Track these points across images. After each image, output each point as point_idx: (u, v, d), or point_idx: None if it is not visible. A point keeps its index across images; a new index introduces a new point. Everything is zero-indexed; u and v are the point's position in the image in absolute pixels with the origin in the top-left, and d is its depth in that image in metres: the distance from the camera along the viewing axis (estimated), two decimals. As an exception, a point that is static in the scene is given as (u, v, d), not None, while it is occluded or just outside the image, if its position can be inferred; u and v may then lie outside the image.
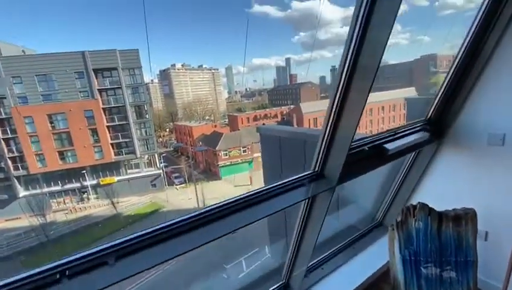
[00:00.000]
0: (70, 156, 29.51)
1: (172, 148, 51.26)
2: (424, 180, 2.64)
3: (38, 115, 27.17)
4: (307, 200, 1.64)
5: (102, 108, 30.28)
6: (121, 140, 31.49)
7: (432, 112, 2.25)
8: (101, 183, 30.47)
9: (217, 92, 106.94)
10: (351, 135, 1.39)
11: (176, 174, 35.10)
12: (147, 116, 32.93)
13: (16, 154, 27.83)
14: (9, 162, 27.67)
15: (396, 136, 1.98)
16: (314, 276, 2.36)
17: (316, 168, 1.62)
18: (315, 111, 39.71)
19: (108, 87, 30.37)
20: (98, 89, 29.74)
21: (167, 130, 63.36)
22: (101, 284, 0.95)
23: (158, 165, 33.22)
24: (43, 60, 27.85)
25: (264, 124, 37.53)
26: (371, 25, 1.10)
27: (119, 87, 30.40)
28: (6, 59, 26.47)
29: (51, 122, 28.29)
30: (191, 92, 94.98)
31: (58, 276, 0.92)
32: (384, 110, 35.53)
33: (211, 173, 36.70)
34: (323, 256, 2.57)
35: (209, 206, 1.34)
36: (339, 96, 1.33)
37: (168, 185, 33.68)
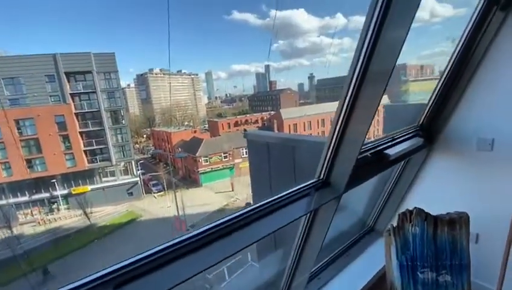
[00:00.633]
0: (38, 164, 27.53)
1: (150, 155, 49.68)
2: (415, 185, 2.69)
3: (4, 120, 25.11)
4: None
5: (75, 113, 28.69)
6: (95, 147, 29.94)
7: (424, 118, 2.30)
8: (73, 192, 28.65)
9: (196, 97, 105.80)
10: (360, 141, 1.35)
11: (154, 182, 33.93)
12: (123, 121, 31.69)
13: (-24, 162, 25.54)
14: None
15: (394, 141, 1.99)
16: (312, 286, 2.29)
17: (321, 176, 1.56)
18: (295, 117, 40.46)
19: (82, 91, 28.90)
20: (70, 93, 28.21)
21: (144, 136, 61.40)
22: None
23: (135, 172, 31.95)
24: (11, 62, 25.99)
25: (245, 129, 37.49)
26: (386, 26, 1.07)
27: (93, 92, 29.03)
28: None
29: (18, 128, 26.29)
30: (169, 97, 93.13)
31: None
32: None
33: (190, 179, 35.89)
34: (318, 265, 2.52)
35: (206, 226, 1.20)
36: (349, 102, 1.29)
37: (146, 193, 32.43)
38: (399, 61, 1.21)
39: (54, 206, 28.35)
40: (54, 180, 27.48)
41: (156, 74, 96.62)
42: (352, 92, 1.28)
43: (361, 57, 1.18)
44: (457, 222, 2.15)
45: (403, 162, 2.61)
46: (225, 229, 1.20)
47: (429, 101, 2.24)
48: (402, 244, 2.27)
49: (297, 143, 4.24)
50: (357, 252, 2.78)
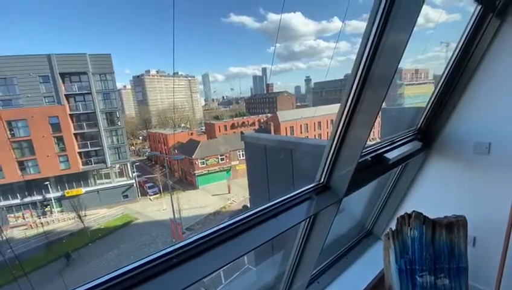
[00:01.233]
0: (31, 167, 27.07)
1: (146, 157, 49.30)
2: (413, 189, 2.70)
3: (-6, 121, 24.74)
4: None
5: (70, 114, 28.35)
6: (90, 148, 29.58)
7: (422, 122, 2.32)
8: (67, 195, 28.22)
9: (193, 99, 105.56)
10: (361, 146, 1.35)
11: (150, 184, 33.62)
12: (119, 123, 31.40)
13: (-34, 164, 25.03)
14: (-42, 173, 24.80)
15: (393, 145, 2.00)
16: (311, 291, 2.27)
17: (322, 180, 1.56)
18: (291, 119, 40.58)
19: (77, 92, 28.60)
20: (65, 94, 27.89)
21: (140, 138, 60.97)
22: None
23: (130, 174, 31.61)
24: (3, 63, 25.62)
25: (242, 132, 37.44)
26: (388, 29, 1.07)
27: (88, 93, 28.73)
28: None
29: (10, 130, 25.87)
30: (166, 99, 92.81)
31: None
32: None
33: (187, 182, 35.66)
34: (317, 269, 2.50)
35: (206, 231, 1.17)
36: (350, 105, 1.29)
37: (142, 195, 32.10)
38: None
39: (47, 209, 27.87)
40: (47, 183, 27.03)
41: (152, 76, 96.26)
42: (353, 96, 1.28)
43: (363, 61, 1.18)
44: (455, 225, 2.16)
45: (400, 166, 2.62)
46: (225, 235, 1.18)
47: (427, 105, 2.25)
48: (401, 248, 2.27)
49: (295, 146, 4.24)
50: (356, 256, 2.77)
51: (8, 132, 25.69)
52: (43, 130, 26.81)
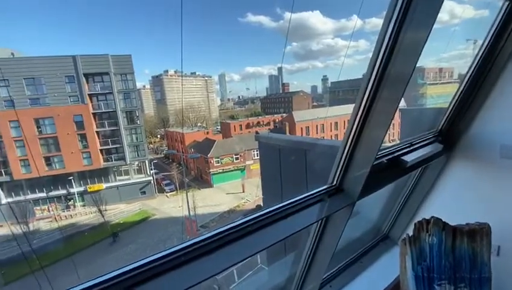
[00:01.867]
0: (57, 162, 28.57)
1: (163, 155, 50.56)
2: (432, 193, 2.58)
3: (24, 119, 26.27)
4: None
5: (92, 113, 29.66)
6: (110, 146, 30.80)
7: (444, 123, 2.21)
8: (89, 190, 29.55)
9: (209, 99, 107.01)
10: (376, 147, 1.31)
11: (167, 181, 34.50)
12: (138, 122, 32.45)
13: (-1, 159, 26.80)
14: (-8, 167, 26.61)
15: (411, 147, 1.92)
16: (323, 294, 2.23)
17: (334, 182, 1.52)
18: (307, 120, 40.15)
19: (99, 92, 29.85)
20: (88, 94, 29.18)
21: (158, 136, 62.59)
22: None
23: (148, 172, 32.59)
24: (32, 63, 27.17)
25: (257, 132, 37.53)
26: (406, 27, 1.03)
27: (110, 93, 29.91)
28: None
29: (38, 127, 27.42)
30: (183, 99, 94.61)
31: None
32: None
33: (202, 180, 36.25)
34: (330, 272, 2.45)
35: (219, 228, 1.18)
36: (365, 105, 1.25)
37: (159, 192, 33.01)
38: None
39: (70, 203, 29.34)
40: (71, 178, 28.46)
41: (170, 76, 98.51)
42: (369, 95, 1.24)
43: (379, 59, 1.14)
44: (478, 233, 2.04)
45: (420, 169, 2.52)
46: (237, 233, 1.19)
47: (449, 105, 2.14)
48: (418, 254, 2.18)
49: (309, 146, 4.19)
50: (370, 261, 2.69)
51: (36, 129, 27.24)
52: (68, 127, 28.23)
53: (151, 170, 32.92)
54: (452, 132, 2.29)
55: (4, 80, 25.92)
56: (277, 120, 48.91)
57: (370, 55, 1.20)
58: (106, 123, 30.42)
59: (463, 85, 2.07)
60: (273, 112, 62.69)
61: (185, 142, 40.68)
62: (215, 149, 34.86)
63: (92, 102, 29.69)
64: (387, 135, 1.38)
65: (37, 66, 27.13)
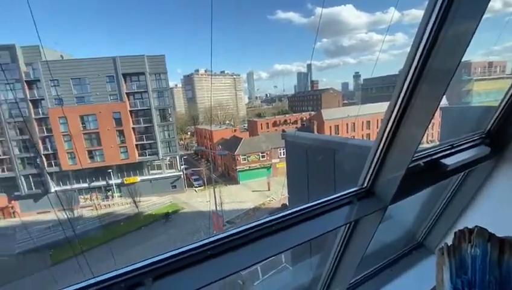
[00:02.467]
0: (98, 155, 31.04)
1: (193, 151, 52.35)
2: (477, 201, 2.35)
3: (71, 116, 28.91)
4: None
5: (129, 111, 31.64)
6: (145, 141, 32.67)
7: (493, 123, 1.99)
8: (125, 182, 31.70)
9: (237, 97, 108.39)
10: (413, 148, 1.21)
11: (196, 177, 35.68)
12: (171, 119, 33.94)
13: (50, 151, 29.74)
14: (44, 159, 29.61)
15: (453, 150, 1.75)
16: (348, 301, 2.14)
17: (365, 184, 1.44)
18: (337, 118, 38.89)
19: (136, 91, 31.75)
20: (126, 93, 31.16)
21: (188, 133, 64.88)
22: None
23: (179, 167, 33.99)
24: (78, 65, 29.71)
25: (283, 130, 37.26)
26: (451, 17, 0.92)
27: (145, 91, 31.66)
28: (47, 64, 28.53)
29: (83, 123, 30.00)
30: (212, 97, 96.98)
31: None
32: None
33: (229, 177, 36.93)
34: (358, 277, 2.35)
35: (245, 225, 1.18)
36: (402, 102, 1.16)
37: (188, 187, 34.29)
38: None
39: (109, 193, 31.70)
40: (110, 170, 30.74)
41: (201, 75, 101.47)
42: (406, 92, 1.14)
43: (419, 53, 1.05)
44: (532, 247, 1.82)
45: (463, 173, 2.30)
46: (262, 231, 1.18)
47: (500, 103, 1.93)
48: (457, 266, 1.99)
49: (338, 146, 4.05)
50: (402, 269, 2.53)
51: (81, 125, 29.78)
52: (108, 124, 30.47)
53: (182, 165, 34.28)
54: (502, 133, 2.05)
55: (54, 80, 28.65)
56: (305, 118, 48.07)
57: (408, 49, 1.11)
58: (141, 120, 32.29)
59: (517, 81, 1.84)
60: (300, 110, 61.77)
61: (213, 140, 41.69)
62: (241, 147, 35.26)
63: (129, 100, 31.68)
64: (425, 135, 1.27)
65: (83, 67, 29.58)
